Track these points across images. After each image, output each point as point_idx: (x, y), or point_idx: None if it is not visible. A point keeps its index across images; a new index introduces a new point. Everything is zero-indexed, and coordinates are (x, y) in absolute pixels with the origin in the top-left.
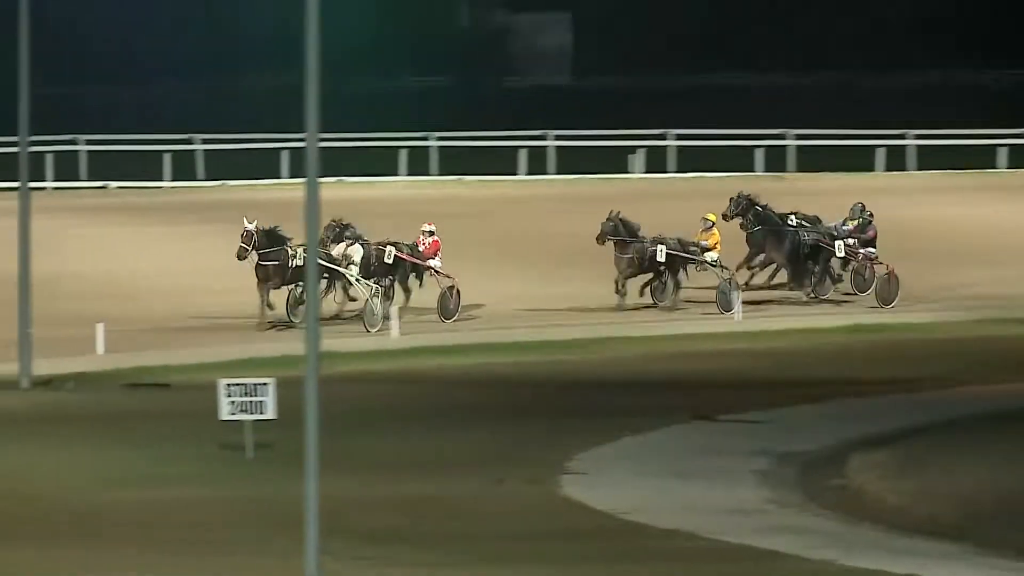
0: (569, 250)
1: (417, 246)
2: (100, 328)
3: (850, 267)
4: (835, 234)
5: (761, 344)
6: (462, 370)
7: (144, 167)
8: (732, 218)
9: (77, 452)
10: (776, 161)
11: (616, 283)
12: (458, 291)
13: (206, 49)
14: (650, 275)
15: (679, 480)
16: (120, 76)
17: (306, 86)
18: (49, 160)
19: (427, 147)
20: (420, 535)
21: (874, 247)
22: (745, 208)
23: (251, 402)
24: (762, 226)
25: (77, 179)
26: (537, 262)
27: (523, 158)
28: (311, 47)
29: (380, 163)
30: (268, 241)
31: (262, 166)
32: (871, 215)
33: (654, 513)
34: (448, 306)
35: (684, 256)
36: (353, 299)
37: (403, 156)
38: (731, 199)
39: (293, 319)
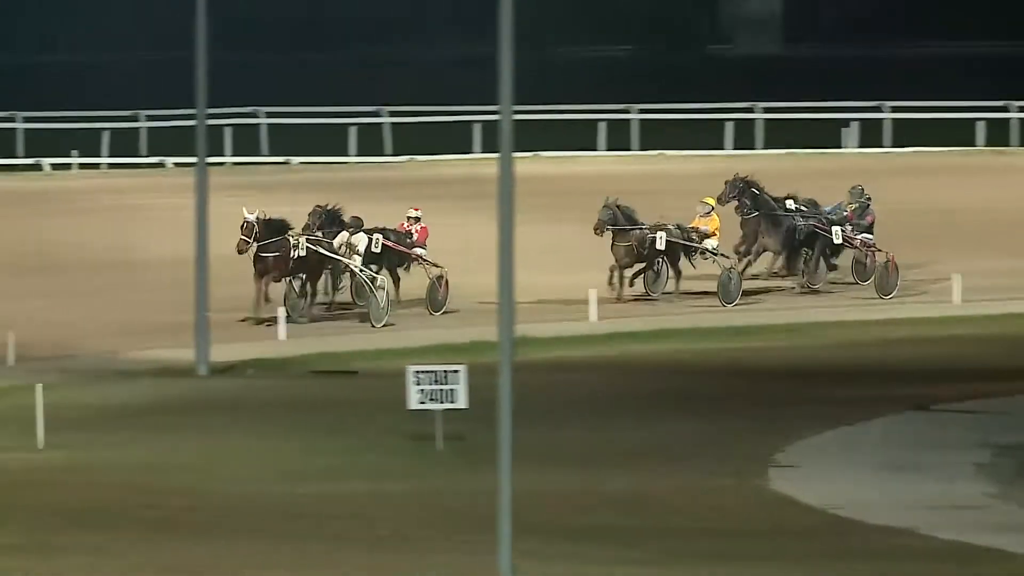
0: None
1: (409, 234)
2: (282, 311)
3: (852, 255)
4: (832, 219)
5: (980, 330)
6: (662, 357)
7: (328, 141)
8: (728, 202)
9: (257, 443)
10: (999, 135)
11: (611, 274)
12: (447, 281)
13: (393, 15)
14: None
15: (894, 473)
16: (301, 43)
17: (500, 55)
18: (228, 134)
19: (628, 120)
20: (618, 532)
21: (872, 233)
22: (741, 191)
23: (441, 390)
24: (758, 211)
25: (257, 154)
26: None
27: (729, 132)
28: (505, 14)
29: (579, 137)
30: (268, 232)
31: (453, 140)
32: (869, 199)
33: (867, 509)
34: (436, 297)
35: (685, 244)
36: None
37: (603, 129)
38: (727, 182)
39: (294, 315)
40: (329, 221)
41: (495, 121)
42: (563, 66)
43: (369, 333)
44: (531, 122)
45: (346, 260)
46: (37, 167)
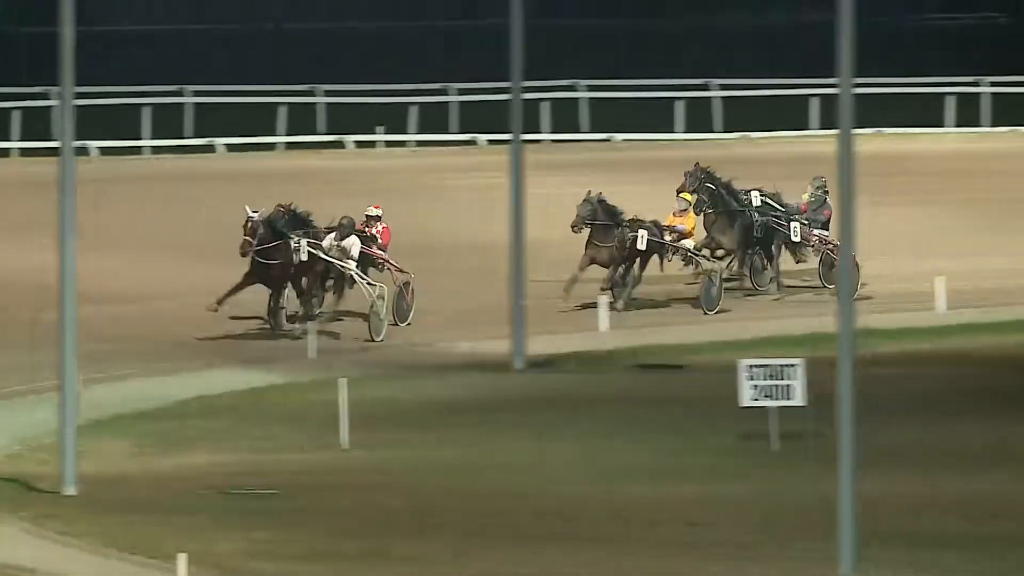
0: None
1: (372, 236)
2: (603, 300)
3: (816, 253)
4: (790, 214)
5: None
6: (1017, 350)
7: (654, 117)
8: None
9: (575, 442)
10: None
11: (571, 278)
12: (413, 288)
13: None
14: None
15: None
16: (625, 8)
17: (838, 23)
18: (545, 108)
19: (978, 93)
20: (969, 539)
21: (828, 229)
22: (700, 184)
23: (777, 386)
24: (716, 206)
25: (577, 130)
26: None
27: None
28: None
29: (924, 112)
30: (269, 233)
31: (787, 115)
32: (827, 192)
33: None
34: (402, 306)
35: (672, 245)
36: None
37: (950, 104)
38: (687, 173)
39: (274, 324)
40: (292, 223)
41: (834, 95)
42: (907, 35)
43: (696, 324)
44: (872, 96)
45: (346, 266)
46: (339, 144)
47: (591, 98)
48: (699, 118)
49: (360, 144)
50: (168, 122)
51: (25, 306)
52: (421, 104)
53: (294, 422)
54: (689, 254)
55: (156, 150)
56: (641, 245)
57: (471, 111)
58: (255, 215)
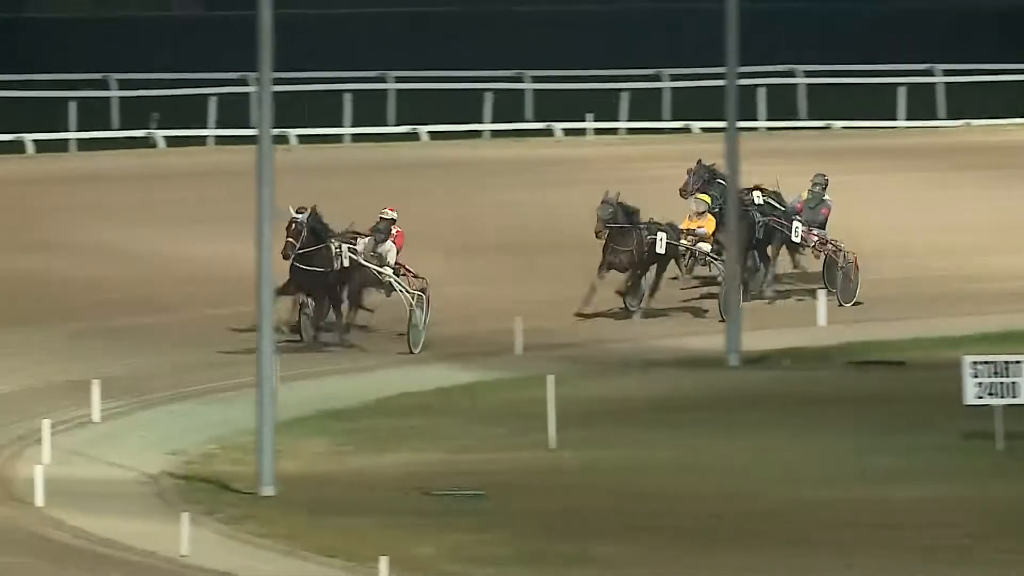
0: None
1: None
2: (821, 295)
3: (816, 255)
4: (791, 214)
5: None
6: None
7: (874, 104)
8: (692, 194)
9: (792, 441)
10: None
11: (624, 287)
12: (429, 296)
13: None
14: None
15: None
16: None
17: None
18: (761, 95)
19: None
20: None
21: (824, 228)
22: (707, 182)
23: (1002, 383)
24: (724, 206)
25: (795, 117)
26: None
27: None
28: None
29: None
30: (312, 237)
31: (1008, 102)
32: (822, 189)
33: None
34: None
35: (690, 248)
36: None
37: None
38: (690, 171)
39: (305, 338)
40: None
41: None
42: None
43: (917, 319)
44: None
45: (386, 272)
46: (548, 132)
47: (809, 84)
48: (922, 105)
49: (568, 132)
50: (370, 109)
51: (217, 300)
52: (632, 91)
53: (498, 420)
54: (708, 257)
55: (357, 138)
56: (660, 249)
57: (684, 98)
58: (300, 217)
